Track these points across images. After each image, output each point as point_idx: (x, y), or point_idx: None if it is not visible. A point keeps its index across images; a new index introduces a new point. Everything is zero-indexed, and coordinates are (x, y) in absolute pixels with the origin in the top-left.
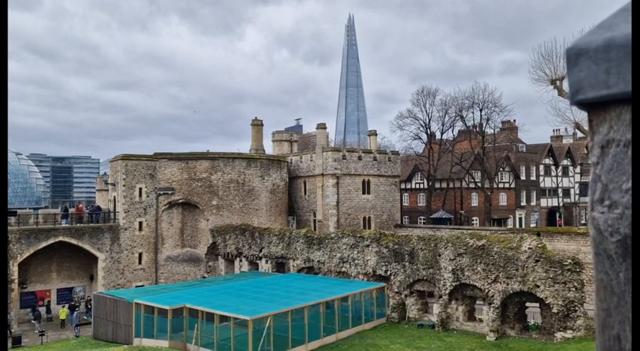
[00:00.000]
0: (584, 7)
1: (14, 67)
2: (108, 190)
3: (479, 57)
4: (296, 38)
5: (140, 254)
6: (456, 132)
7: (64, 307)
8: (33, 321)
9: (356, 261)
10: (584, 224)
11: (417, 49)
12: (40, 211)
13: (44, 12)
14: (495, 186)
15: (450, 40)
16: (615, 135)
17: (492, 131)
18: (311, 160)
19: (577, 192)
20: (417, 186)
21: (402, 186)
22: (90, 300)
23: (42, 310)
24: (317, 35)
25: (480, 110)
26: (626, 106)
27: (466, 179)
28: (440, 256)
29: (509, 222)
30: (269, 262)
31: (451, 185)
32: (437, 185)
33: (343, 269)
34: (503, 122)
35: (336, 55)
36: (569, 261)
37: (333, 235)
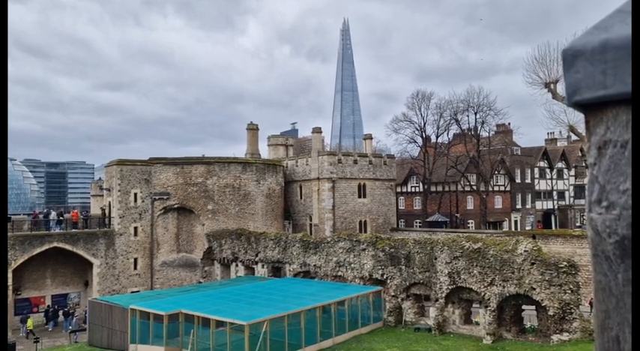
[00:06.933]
0: (601, 1)
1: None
2: (103, 195)
3: (489, 53)
4: (299, 33)
5: (135, 260)
6: (451, 135)
7: (30, 317)
8: (19, 323)
9: (352, 265)
10: (579, 227)
11: (425, 44)
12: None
13: (35, 3)
14: (491, 189)
15: (460, 34)
16: (612, 136)
17: (487, 134)
18: (307, 164)
19: (572, 194)
20: (413, 189)
21: (398, 189)
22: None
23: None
24: (320, 30)
25: (475, 113)
26: (623, 107)
27: (461, 182)
28: (436, 259)
29: (505, 225)
30: (265, 266)
31: (447, 188)
32: (432, 188)
33: (339, 273)
34: (497, 125)
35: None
36: (565, 263)
37: (329, 239)
